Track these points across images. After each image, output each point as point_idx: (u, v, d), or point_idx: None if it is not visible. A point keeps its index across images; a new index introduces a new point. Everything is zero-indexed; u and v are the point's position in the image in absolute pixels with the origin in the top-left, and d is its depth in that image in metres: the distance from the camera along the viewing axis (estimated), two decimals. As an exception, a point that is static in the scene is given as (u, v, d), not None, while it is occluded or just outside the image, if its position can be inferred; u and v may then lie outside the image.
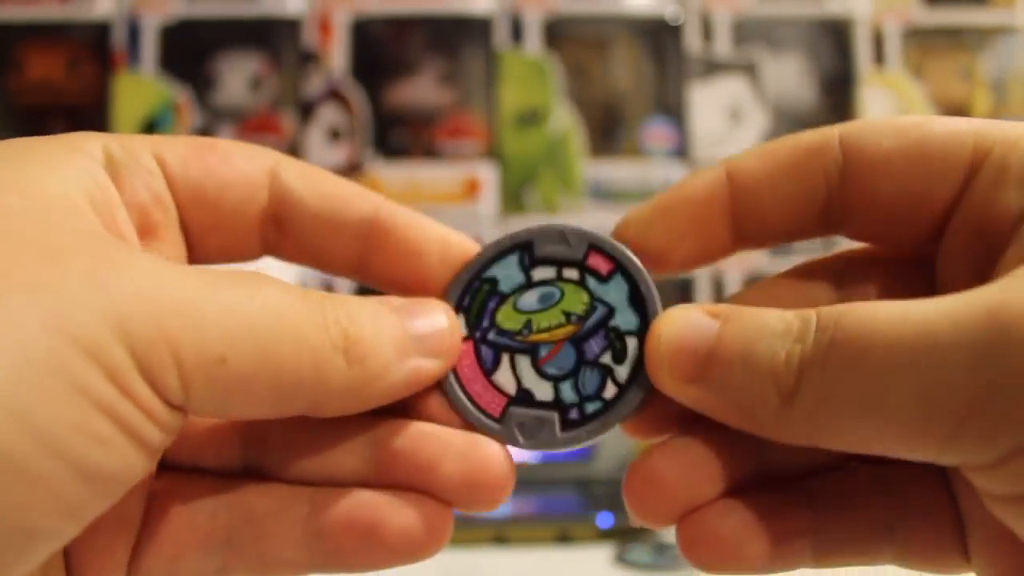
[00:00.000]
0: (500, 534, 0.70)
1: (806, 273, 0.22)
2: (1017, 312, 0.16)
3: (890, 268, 0.22)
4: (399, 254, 0.22)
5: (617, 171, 0.96)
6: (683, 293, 0.94)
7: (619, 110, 0.99)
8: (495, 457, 0.21)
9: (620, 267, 0.22)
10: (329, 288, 0.77)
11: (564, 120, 0.96)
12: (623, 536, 0.70)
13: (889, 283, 0.22)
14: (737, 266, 0.93)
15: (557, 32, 0.99)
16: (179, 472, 0.21)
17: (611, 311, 0.22)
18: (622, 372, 0.21)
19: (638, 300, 0.22)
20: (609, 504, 0.72)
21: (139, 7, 0.96)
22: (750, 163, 0.21)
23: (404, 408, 0.21)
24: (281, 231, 0.22)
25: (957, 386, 0.16)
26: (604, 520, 0.70)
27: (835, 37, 1.00)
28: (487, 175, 0.95)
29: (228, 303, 0.17)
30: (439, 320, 0.21)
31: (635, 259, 0.22)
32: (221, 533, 0.20)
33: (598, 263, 0.22)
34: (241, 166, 0.22)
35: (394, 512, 0.20)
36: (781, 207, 0.21)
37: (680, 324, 0.20)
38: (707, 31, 1.00)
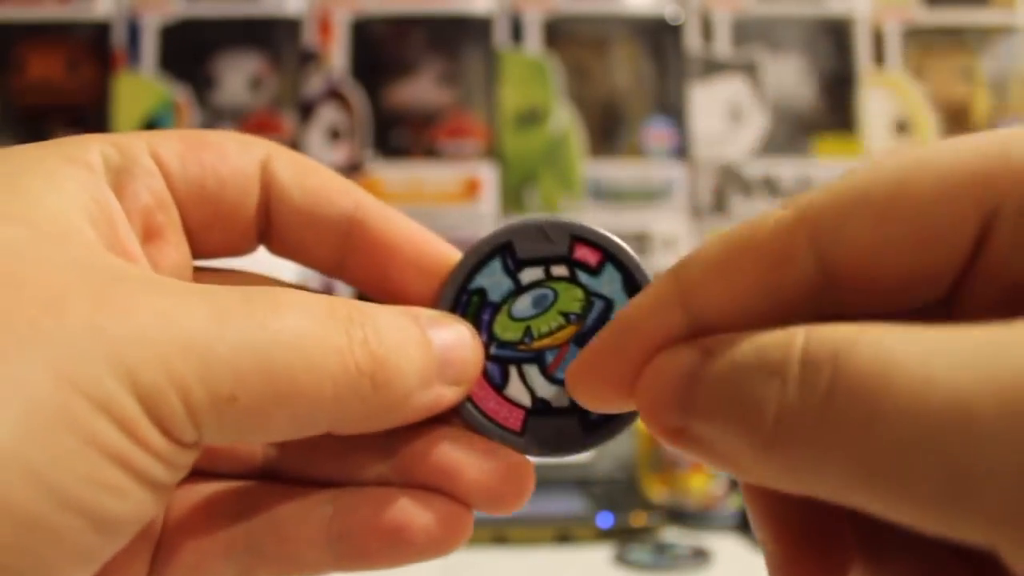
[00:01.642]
0: (500, 534, 0.69)
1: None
2: None
3: None
4: (374, 255, 0.22)
5: (617, 171, 0.96)
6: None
7: (619, 110, 0.99)
8: (517, 463, 0.21)
9: (608, 256, 0.22)
10: (328, 289, 0.77)
11: (564, 120, 0.96)
12: (623, 536, 0.70)
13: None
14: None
15: (557, 32, 0.99)
16: (197, 479, 0.21)
17: (609, 304, 0.21)
18: None
19: (634, 288, 0.21)
20: (609, 504, 0.72)
21: (139, 7, 0.96)
22: (709, 293, 0.17)
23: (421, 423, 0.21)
24: (268, 223, 0.22)
25: (1002, 470, 0.13)
26: (604, 520, 0.70)
27: (835, 37, 1.00)
28: (487, 175, 0.95)
29: (238, 337, 0.17)
30: (465, 343, 0.21)
31: (623, 246, 0.21)
32: (242, 539, 0.20)
33: (585, 255, 0.22)
34: (236, 160, 0.21)
35: (417, 512, 0.20)
36: (755, 323, 0.17)
37: (663, 358, 0.17)
38: (707, 31, 0.99)
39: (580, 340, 0.21)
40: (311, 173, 0.22)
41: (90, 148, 0.20)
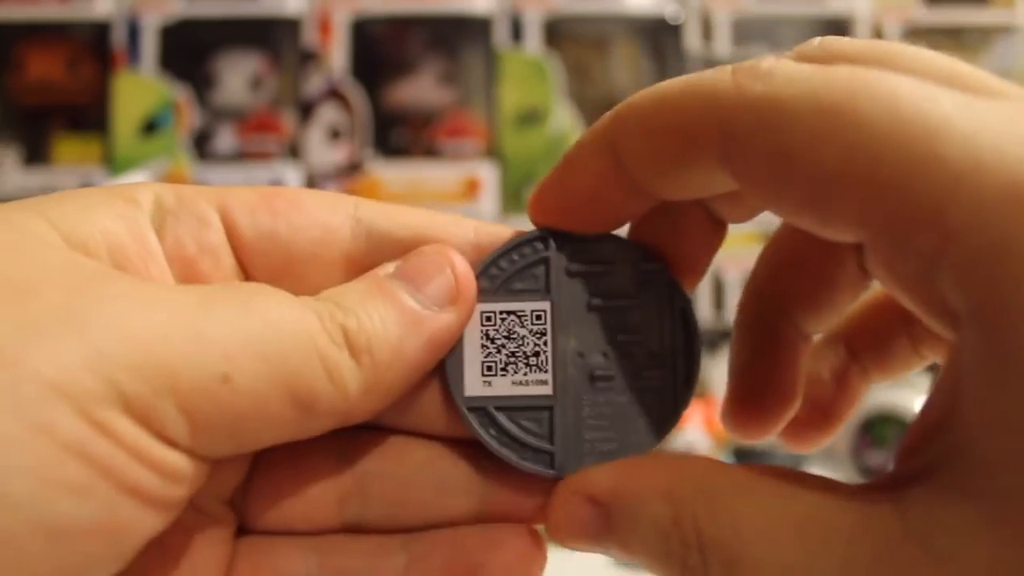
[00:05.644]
0: (500, 534, 0.69)
1: None
2: None
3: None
4: None
5: (617, 171, 0.96)
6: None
7: (619, 110, 0.99)
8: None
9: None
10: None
11: (564, 120, 0.96)
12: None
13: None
14: (736, 266, 0.93)
15: (557, 32, 0.99)
16: (274, 537, 0.20)
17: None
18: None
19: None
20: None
21: (139, 7, 0.96)
22: (634, 141, 0.19)
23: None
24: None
25: None
26: (604, 520, 0.70)
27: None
28: (487, 175, 0.95)
29: (223, 317, 0.16)
30: (434, 259, 0.19)
31: (677, 283, 0.21)
32: None
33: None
34: (314, 212, 0.20)
35: (493, 550, 0.19)
36: (679, 188, 0.19)
37: (565, 518, 0.19)
38: (707, 31, 0.99)
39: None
40: (403, 213, 0.21)
41: (145, 189, 0.19)
